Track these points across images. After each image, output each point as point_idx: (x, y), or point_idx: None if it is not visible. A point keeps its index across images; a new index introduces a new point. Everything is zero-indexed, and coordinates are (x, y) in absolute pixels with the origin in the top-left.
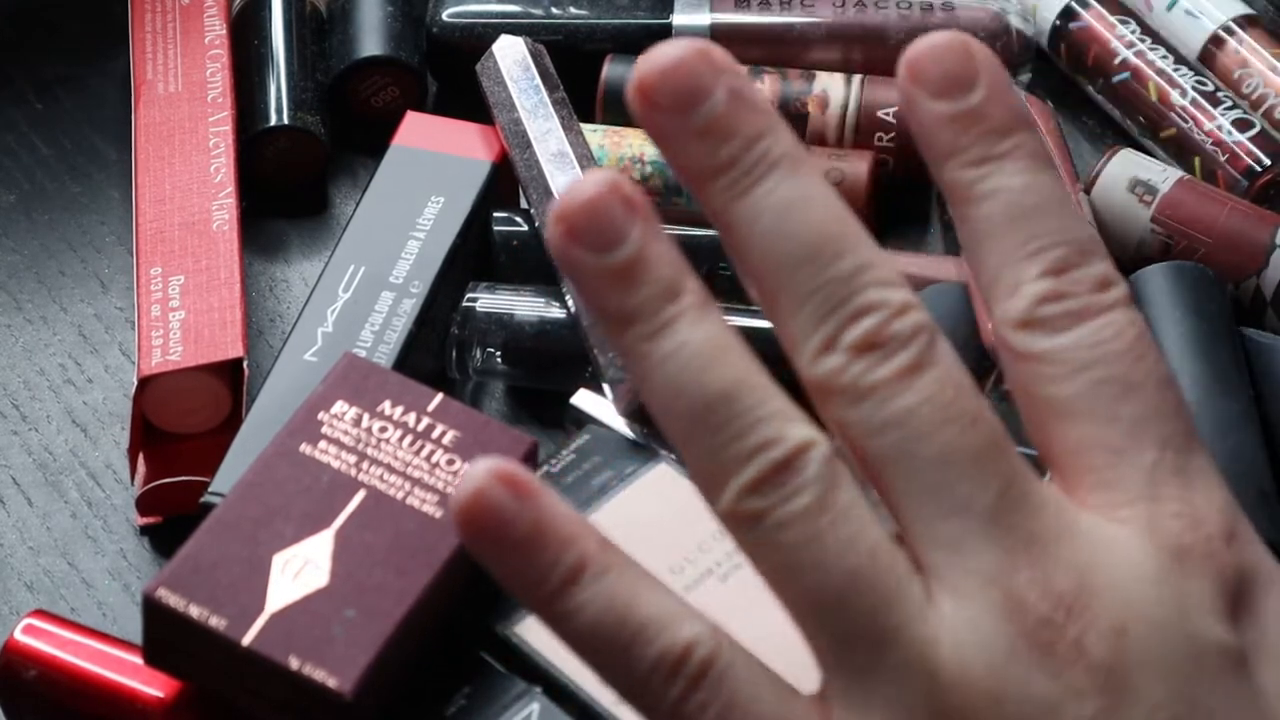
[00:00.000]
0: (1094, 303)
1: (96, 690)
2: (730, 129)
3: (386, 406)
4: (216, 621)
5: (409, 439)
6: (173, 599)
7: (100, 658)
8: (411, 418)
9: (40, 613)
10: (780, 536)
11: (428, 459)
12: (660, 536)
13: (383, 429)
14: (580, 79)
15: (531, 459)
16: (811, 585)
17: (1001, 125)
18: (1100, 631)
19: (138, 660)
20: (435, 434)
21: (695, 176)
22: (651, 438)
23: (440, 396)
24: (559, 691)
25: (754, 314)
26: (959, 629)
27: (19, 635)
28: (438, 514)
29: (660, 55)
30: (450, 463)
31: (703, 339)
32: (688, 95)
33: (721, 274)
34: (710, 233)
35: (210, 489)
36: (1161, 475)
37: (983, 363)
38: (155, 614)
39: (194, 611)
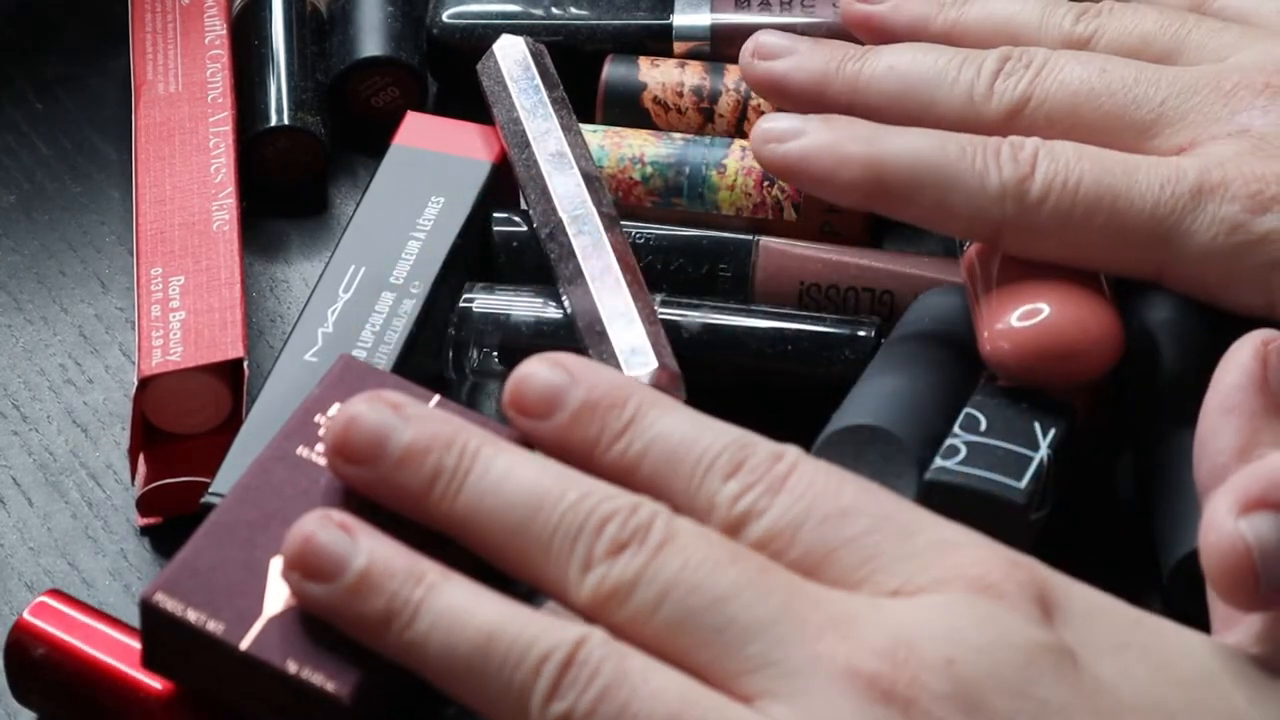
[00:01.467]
0: (778, 473)
1: (101, 676)
2: (424, 446)
3: None
4: (214, 625)
5: None
6: (170, 603)
7: (108, 644)
8: None
9: (54, 592)
10: None
11: None
12: None
13: None
14: (580, 79)
15: None
16: None
17: (613, 400)
18: (932, 667)
19: None
20: None
21: (413, 501)
22: None
23: (437, 398)
24: None
25: (755, 314)
26: None
27: (29, 615)
28: None
29: (339, 420)
30: None
31: (458, 598)
32: (376, 438)
33: (722, 274)
34: (711, 233)
35: (211, 489)
36: (927, 551)
37: (979, 364)
38: (153, 618)
39: (192, 616)
